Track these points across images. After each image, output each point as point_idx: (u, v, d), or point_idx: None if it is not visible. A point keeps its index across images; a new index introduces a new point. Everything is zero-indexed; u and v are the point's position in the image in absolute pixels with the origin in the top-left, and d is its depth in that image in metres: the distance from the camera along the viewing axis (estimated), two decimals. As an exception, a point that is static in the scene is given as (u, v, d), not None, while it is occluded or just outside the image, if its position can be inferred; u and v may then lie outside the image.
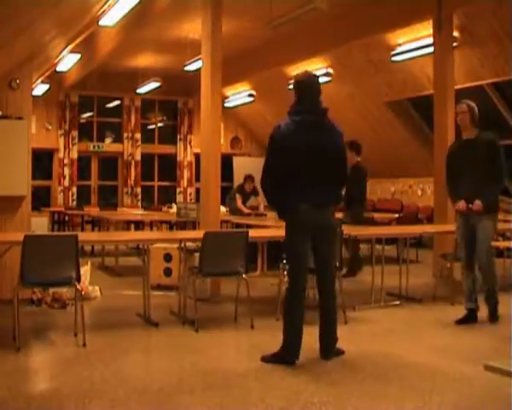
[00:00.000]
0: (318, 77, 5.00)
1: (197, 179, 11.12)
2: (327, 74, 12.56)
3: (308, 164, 4.64)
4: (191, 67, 11.61)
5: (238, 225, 8.99)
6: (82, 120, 16.23)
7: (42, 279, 5.09)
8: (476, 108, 5.79)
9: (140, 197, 16.40)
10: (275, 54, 12.16)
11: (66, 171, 15.64)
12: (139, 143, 16.40)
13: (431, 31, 9.16)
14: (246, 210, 10.58)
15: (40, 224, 12.20)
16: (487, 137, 5.83)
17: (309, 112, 4.73)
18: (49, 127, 15.50)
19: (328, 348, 4.77)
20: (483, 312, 5.89)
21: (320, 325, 4.77)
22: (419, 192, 13.59)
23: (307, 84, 4.81)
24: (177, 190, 16.87)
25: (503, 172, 5.73)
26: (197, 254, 5.95)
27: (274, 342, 5.29)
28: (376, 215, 11.60)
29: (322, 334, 4.77)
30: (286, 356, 4.61)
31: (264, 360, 4.64)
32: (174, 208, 11.16)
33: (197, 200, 12.10)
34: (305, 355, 4.78)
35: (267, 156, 4.75)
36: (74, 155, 15.76)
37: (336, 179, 4.81)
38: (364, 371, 4.48)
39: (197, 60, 10.34)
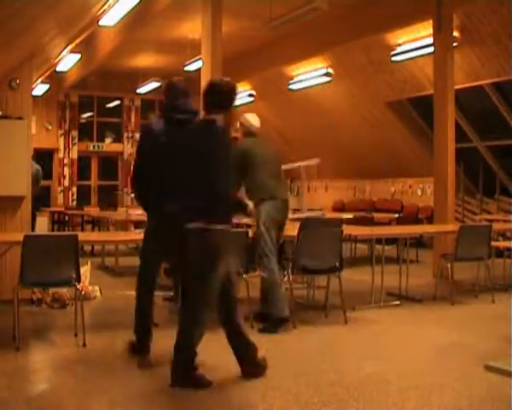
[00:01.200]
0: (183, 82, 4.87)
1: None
2: (327, 74, 12.56)
3: (174, 165, 4.43)
4: (191, 67, 11.61)
5: (238, 225, 8.98)
6: (82, 120, 16.24)
7: (42, 279, 5.09)
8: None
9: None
10: (275, 54, 12.16)
11: (66, 171, 15.64)
12: (139, 142, 16.39)
13: (431, 31, 9.16)
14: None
15: (40, 224, 12.17)
16: None
17: (178, 111, 4.63)
18: (49, 127, 15.51)
19: None
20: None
21: None
22: (419, 192, 13.59)
23: (174, 86, 4.76)
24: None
25: None
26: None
27: (274, 341, 5.30)
28: (376, 215, 11.61)
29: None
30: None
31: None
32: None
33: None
34: (305, 356, 4.78)
35: (136, 155, 4.76)
36: (74, 155, 15.77)
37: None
38: (364, 371, 4.48)
39: (197, 60, 10.34)
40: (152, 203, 4.66)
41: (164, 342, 5.32)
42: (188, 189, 4.25)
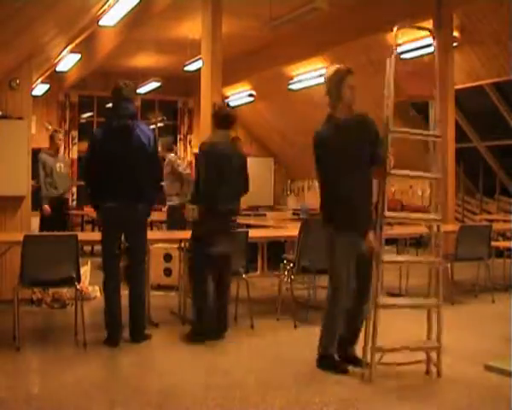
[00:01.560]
0: (126, 85, 5.36)
1: (197, 179, 11.15)
2: (327, 74, 12.54)
3: (118, 166, 5.06)
4: (191, 67, 11.60)
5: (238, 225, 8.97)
6: (82, 120, 16.23)
7: (42, 279, 5.10)
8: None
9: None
10: (275, 54, 12.15)
11: (66, 171, 15.62)
12: (139, 142, 16.38)
13: (431, 31, 9.15)
14: None
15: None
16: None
17: (117, 117, 5.19)
18: (49, 127, 15.49)
19: (135, 329, 5.13)
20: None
21: (129, 307, 5.15)
22: (419, 192, 13.59)
23: (114, 92, 5.26)
24: (177, 190, 16.86)
25: None
26: (197, 254, 5.94)
27: (274, 341, 5.30)
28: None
29: (132, 316, 5.14)
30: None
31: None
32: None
33: (197, 200, 12.06)
34: (306, 355, 4.77)
35: (86, 156, 5.43)
36: (74, 155, 15.76)
37: (147, 178, 5.19)
38: (364, 370, 4.47)
39: (197, 60, 10.33)
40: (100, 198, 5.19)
41: (165, 341, 5.33)
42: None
